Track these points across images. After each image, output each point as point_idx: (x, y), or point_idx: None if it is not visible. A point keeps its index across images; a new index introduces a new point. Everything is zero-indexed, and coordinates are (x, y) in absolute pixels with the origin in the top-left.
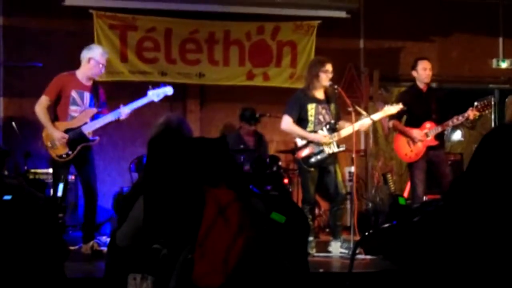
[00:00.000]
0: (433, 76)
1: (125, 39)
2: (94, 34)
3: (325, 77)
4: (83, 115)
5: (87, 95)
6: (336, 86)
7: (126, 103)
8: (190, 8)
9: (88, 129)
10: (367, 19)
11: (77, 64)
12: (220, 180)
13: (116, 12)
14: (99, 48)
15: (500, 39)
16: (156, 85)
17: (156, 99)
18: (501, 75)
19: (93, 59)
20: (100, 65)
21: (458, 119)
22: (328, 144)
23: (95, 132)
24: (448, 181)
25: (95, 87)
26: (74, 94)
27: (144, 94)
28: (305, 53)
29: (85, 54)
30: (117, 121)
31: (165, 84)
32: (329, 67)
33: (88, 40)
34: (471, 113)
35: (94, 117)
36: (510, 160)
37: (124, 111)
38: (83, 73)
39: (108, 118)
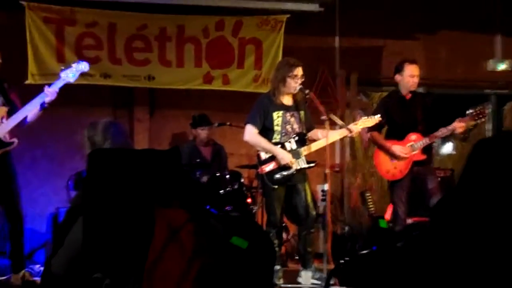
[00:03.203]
0: (420, 79)
1: (62, 35)
2: (26, 29)
3: (293, 83)
4: None
5: None
6: (307, 91)
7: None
8: (138, 0)
9: (3, 131)
10: (343, 14)
11: (8, 63)
12: (172, 198)
13: (51, 3)
14: None
15: (498, 37)
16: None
17: (72, 80)
18: (499, 78)
19: None
20: None
21: (444, 132)
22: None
23: (14, 137)
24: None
25: None
26: None
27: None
28: (272, 52)
29: None
30: (44, 109)
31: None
32: (298, 71)
33: (20, 36)
34: (457, 125)
35: (8, 116)
36: (505, 173)
37: (50, 90)
38: None
39: (32, 105)
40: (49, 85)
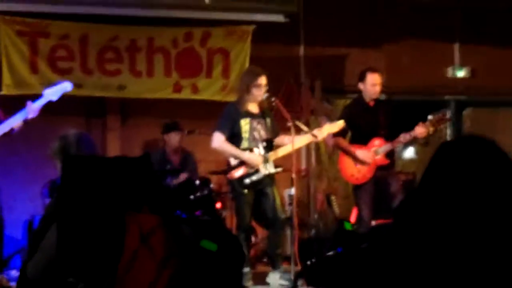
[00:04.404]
0: (382, 87)
1: (36, 47)
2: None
3: (257, 92)
4: None
5: None
6: (273, 99)
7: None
8: (109, 12)
9: None
10: (308, 24)
11: None
12: (143, 204)
13: (25, 17)
14: None
15: (456, 45)
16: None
17: (54, 98)
18: (458, 85)
19: None
20: None
21: (406, 137)
22: (264, 164)
23: None
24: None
25: None
26: None
27: (54, 104)
28: (239, 61)
29: None
30: (25, 124)
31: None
32: (262, 80)
33: None
34: (419, 130)
35: None
36: (464, 174)
37: (32, 108)
38: None
39: (13, 122)
40: (28, 98)
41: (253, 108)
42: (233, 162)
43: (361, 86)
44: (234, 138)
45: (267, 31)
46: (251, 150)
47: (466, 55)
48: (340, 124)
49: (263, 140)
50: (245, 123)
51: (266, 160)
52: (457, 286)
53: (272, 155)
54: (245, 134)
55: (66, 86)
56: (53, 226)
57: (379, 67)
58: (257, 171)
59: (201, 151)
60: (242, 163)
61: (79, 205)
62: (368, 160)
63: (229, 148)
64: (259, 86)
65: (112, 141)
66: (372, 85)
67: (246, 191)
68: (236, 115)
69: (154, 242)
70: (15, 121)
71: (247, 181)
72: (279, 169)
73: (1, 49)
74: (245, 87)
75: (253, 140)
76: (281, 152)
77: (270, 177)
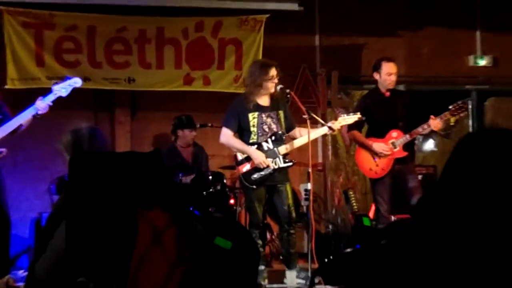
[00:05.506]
0: (402, 76)
1: (41, 39)
2: (4, 34)
3: (272, 85)
4: None
5: None
6: (288, 91)
7: None
8: (117, 2)
9: None
10: (323, 12)
11: None
12: (154, 201)
13: (30, 8)
14: None
15: (478, 33)
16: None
17: (64, 94)
18: (479, 74)
19: None
20: None
21: (425, 127)
22: (272, 161)
23: (1, 145)
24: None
25: None
26: None
27: (61, 98)
28: (252, 52)
29: None
30: (36, 118)
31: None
32: (273, 72)
33: None
34: (433, 124)
35: None
36: (488, 169)
37: (41, 104)
38: None
39: (22, 117)
40: (34, 91)
41: (263, 101)
42: (240, 156)
43: (376, 75)
44: (243, 132)
45: (281, 20)
46: (259, 144)
47: (488, 43)
48: (356, 116)
49: (272, 134)
50: (253, 117)
51: (275, 155)
52: None
53: (284, 149)
54: (253, 128)
55: (76, 81)
56: (62, 224)
57: (398, 56)
58: (266, 166)
59: (214, 145)
60: (248, 157)
61: (88, 202)
62: (386, 152)
63: (236, 142)
64: (271, 78)
65: (121, 135)
66: (388, 74)
67: (254, 186)
68: (243, 109)
69: (166, 241)
70: (23, 118)
71: (255, 176)
72: (289, 164)
73: (5, 41)
74: (259, 82)
75: (262, 134)
76: (296, 144)
77: (283, 173)
